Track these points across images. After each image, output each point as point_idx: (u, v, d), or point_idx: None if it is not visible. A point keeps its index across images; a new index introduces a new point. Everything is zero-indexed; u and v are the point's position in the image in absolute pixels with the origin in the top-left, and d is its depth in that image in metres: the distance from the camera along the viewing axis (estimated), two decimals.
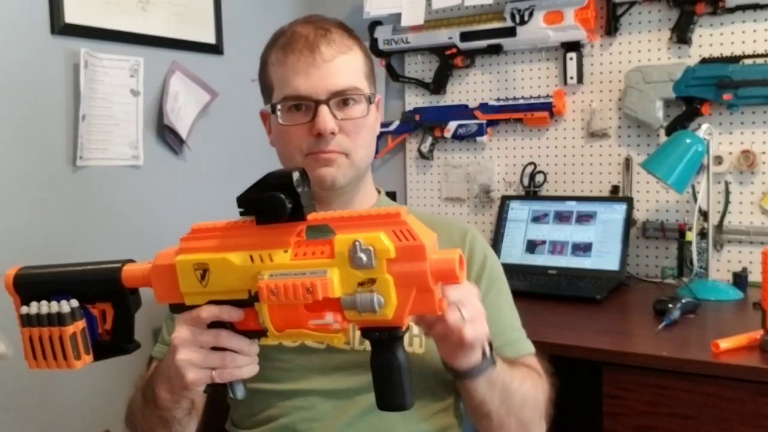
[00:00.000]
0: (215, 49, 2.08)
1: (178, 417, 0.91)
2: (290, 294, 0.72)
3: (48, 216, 1.65)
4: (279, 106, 1.02)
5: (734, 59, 1.84)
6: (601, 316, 1.62)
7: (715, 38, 1.89)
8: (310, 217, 0.75)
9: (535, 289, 1.80)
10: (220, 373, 0.78)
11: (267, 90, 1.07)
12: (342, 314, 0.73)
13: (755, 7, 1.81)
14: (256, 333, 0.78)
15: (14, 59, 1.58)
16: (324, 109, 0.98)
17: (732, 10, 1.83)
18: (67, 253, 1.69)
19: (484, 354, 0.86)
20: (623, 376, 1.36)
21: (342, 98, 1.01)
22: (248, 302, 0.76)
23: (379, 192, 1.15)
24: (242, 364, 0.78)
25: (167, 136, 1.92)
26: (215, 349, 0.78)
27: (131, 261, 0.86)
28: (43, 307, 0.84)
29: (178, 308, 0.80)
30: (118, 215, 1.81)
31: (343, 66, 1.01)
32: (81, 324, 0.84)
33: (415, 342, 1.01)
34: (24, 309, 0.85)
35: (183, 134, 1.95)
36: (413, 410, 0.96)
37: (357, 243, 0.71)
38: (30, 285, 0.86)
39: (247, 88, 2.20)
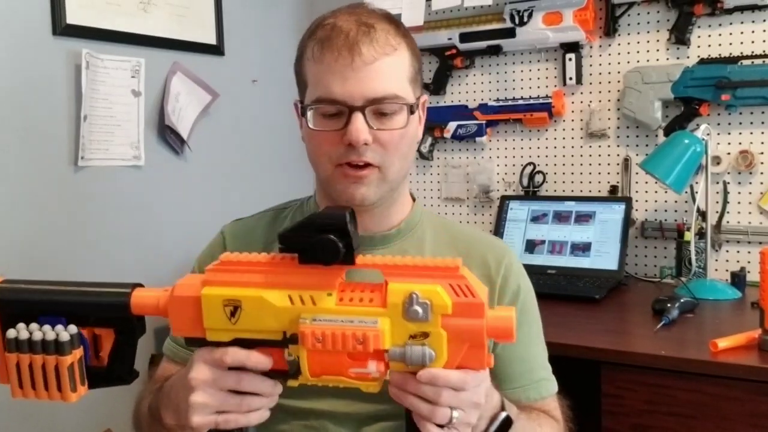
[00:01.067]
0: (216, 49, 2.08)
1: None
2: (339, 342, 0.68)
3: (49, 216, 1.65)
4: (311, 108, 0.93)
5: (732, 60, 1.85)
6: (600, 315, 1.63)
7: (713, 39, 1.89)
8: (359, 260, 0.71)
9: (534, 289, 1.78)
10: (226, 420, 0.73)
11: (301, 84, 0.98)
12: (385, 364, 0.70)
13: (753, 8, 1.82)
14: (280, 373, 0.74)
15: (16, 60, 1.59)
16: (358, 118, 0.89)
17: (730, 11, 1.84)
18: (69, 252, 1.69)
19: None
20: (622, 375, 1.37)
21: (379, 106, 0.91)
22: (281, 343, 0.72)
23: (414, 199, 1.07)
24: (259, 407, 0.74)
25: (168, 136, 1.93)
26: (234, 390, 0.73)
27: (139, 285, 0.78)
28: (36, 332, 0.74)
29: (196, 342, 0.74)
30: (119, 215, 1.81)
31: (384, 70, 0.90)
32: (79, 353, 0.75)
33: None
34: (12, 332, 0.75)
35: (184, 134, 1.96)
36: None
37: (414, 295, 0.68)
38: (15, 303, 0.77)
39: (247, 88, 2.22)
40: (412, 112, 0.94)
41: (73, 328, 0.75)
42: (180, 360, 1.06)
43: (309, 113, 0.93)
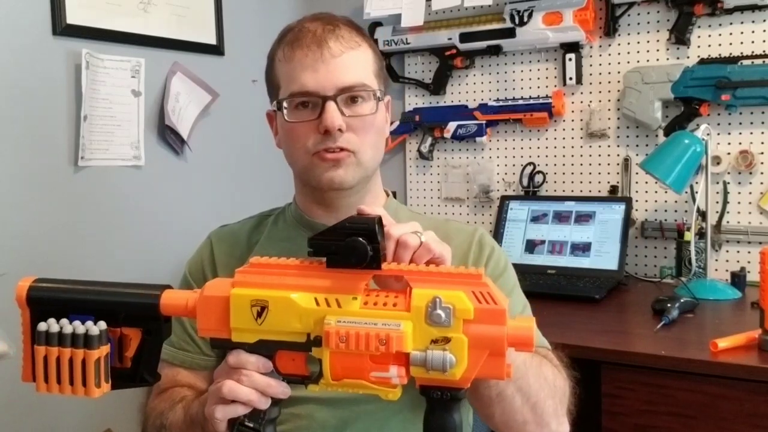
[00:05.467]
0: (216, 49, 2.08)
1: None
2: (362, 343, 0.69)
3: (50, 216, 1.65)
4: (285, 103, 0.98)
5: (732, 60, 1.85)
6: (600, 315, 1.63)
7: (713, 39, 1.89)
8: (385, 266, 0.72)
9: (535, 289, 1.79)
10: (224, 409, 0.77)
11: (273, 88, 1.03)
12: (406, 369, 0.70)
13: (753, 8, 1.82)
14: (300, 378, 0.75)
15: (16, 60, 1.59)
16: (331, 106, 0.95)
17: (730, 11, 1.84)
18: (69, 252, 1.70)
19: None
20: (622, 375, 1.37)
21: (350, 95, 0.97)
22: (304, 346, 0.73)
23: (387, 194, 1.11)
24: (246, 399, 0.75)
25: (168, 136, 1.93)
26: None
27: (169, 287, 0.79)
28: (67, 326, 0.76)
29: (221, 344, 0.76)
30: (119, 215, 1.81)
31: (351, 61, 0.98)
32: (106, 349, 0.76)
33: None
34: (42, 326, 0.76)
35: (184, 134, 1.96)
36: (415, 423, 0.96)
37: (437, 299, 0.69)
38: (48, 300, 0.79)
39: (247, 88, 2.22)
40: (378, 99, 1.00)
41: (102, 324, 0.76)
42: (179, 363, 1.06)
43: (284, 108, 0.98)
